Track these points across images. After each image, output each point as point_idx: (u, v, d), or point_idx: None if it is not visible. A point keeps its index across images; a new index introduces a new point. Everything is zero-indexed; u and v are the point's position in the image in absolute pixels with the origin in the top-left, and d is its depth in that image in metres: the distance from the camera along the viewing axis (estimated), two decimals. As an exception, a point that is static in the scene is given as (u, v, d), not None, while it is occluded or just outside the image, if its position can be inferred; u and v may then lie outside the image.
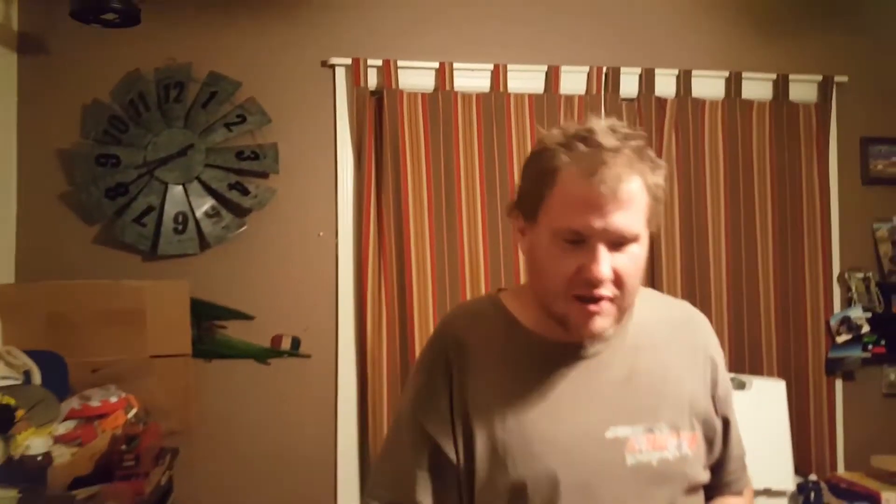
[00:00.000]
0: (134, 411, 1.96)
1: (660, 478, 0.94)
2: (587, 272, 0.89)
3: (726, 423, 1.06)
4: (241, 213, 2.33)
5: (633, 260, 0.91)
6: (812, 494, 2.38)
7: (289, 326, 2.36)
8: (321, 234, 2.39)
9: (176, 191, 2.28)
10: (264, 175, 2.36)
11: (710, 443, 1.01)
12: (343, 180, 2.41)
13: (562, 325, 0.93)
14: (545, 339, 0.98)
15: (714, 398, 1.03)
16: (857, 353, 2.64)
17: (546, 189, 0.92)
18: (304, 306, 2.37)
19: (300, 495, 2.34)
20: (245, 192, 2.32)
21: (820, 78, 2.64)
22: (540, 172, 0.93)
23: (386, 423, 2.33)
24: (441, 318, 1.08)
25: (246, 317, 2.34)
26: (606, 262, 0.89)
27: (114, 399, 1.95)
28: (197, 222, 2.28)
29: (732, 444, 1.07)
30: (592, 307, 0.91)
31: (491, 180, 2.42)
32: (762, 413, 2.20)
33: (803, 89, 2.64)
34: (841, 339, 2.64)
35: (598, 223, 0.88)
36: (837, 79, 2.65)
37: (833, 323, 2.64)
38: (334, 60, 2.38)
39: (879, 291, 2.69)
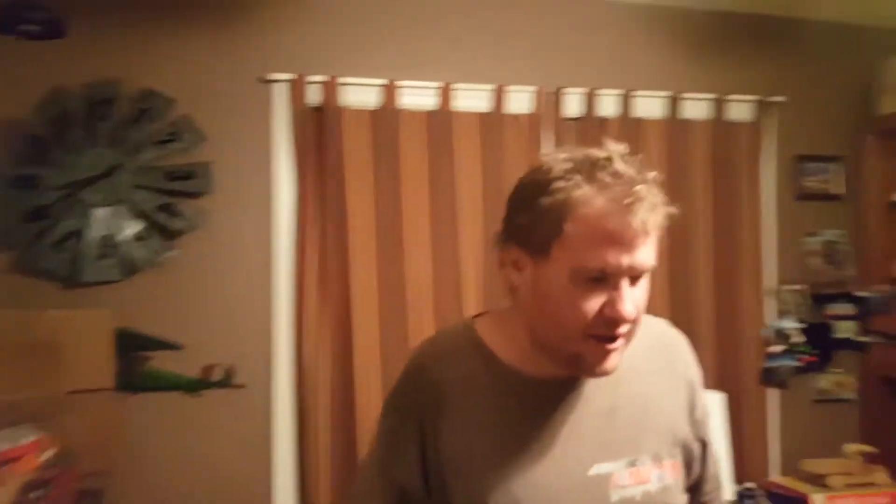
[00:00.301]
0: (49, 453, 1.82)
1: None
2: (615, 312, 0.83)
3: (704, 445, 1.04)
4: (171, 236, 2.20)
5: (644, 293, 0.88)
6: (751, 501, 2.45)
7: (221, 356, 2.24)
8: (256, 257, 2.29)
9: (101, 213, 2.12)
10: (197, 196, 2.23)
11: (688, 466, 1.00)
12: (281, 201, 2.30)
13: (571, 364, 0.88)
14: (528, 378, 0.92)
15: (692, 421, 1.01)
16: (790, 362, 2.73)
17: (564, 222, 0.83)
18: (237, 334, 2.26)
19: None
20: (176, 213, 2.19)
21: (756, 98, 2.72)
22: (555, 203, 0.83)
23: (330, 456, 2.24)
24: (411, 356, 0.99)
25: (175, 347, 2.20)
26: (631, 301, 0.84)
27: (25, 441, 1.80)
28: (123, 247, 2.14)
29: (709, 464, 1.06)
30: (610, 346, 0.86)
31: (437, 200, 2.36)
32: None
33: (740, 109, 2.71)
34: (775, 349, 2.72)
35: (626, 260, 0.83)
36: (773, 99, 2.74)
37: (767, 334, 2.72)
38: (273, 76, 2.27)
39: (810, 303, 2.79)
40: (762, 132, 2.73)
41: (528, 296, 0.89)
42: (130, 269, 2.16)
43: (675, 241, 2.59)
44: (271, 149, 2.29)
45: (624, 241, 0.82)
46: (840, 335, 2.82)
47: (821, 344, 2.78)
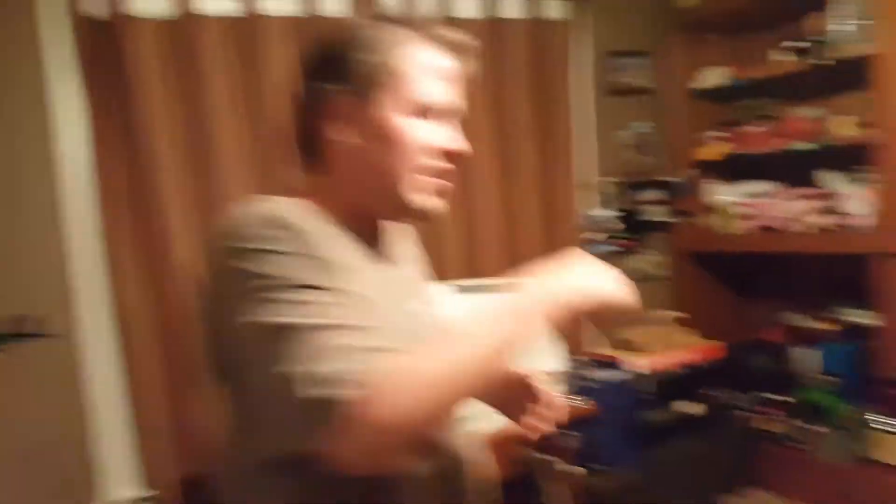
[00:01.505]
0: None
1: None
2: (453, 144, 0.91)
3: None
4: (-66, 176, 1.88)
5: None
6: (581, 369, 2.70)
7: (19, 304, 1.98)
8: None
9: None
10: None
11: None
12: (63, 130, 2.02)
13: (401, 211, 0.92)
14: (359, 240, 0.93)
15: None
16: (608, 248, 2.96)
17: (406, 60, 0.88)
18: (36, 279, 2.02)
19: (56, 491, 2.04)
20: (-63, 149, 1.87)
21: (570, -5, 2.74)
22: (394, 42, 0.88)
23: (162, 397, 2.12)
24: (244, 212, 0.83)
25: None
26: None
27: None
28: None
29: None
30: (444, 181, 0.93)
31: (251, 116, 2.18)
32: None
33: (554, 7, 2.73)
34: (595, 237, 2.93)
35: (458, 98, 0.93)
36: (587, -4, 2.78)
37: (588, 224, 2.91)
38: (38, -20, 1.93)
39: (625, 191, 3.01)
40: (575, 30, 2.78)
41: (361, 144, 0.89)
42: None
43: (496, 139, 2.63)
44: (44, 68, 1.98)
45: (455, 81, 0.92)
46: (652, 219, 3.09)
47: (636, 229, 3.02)
